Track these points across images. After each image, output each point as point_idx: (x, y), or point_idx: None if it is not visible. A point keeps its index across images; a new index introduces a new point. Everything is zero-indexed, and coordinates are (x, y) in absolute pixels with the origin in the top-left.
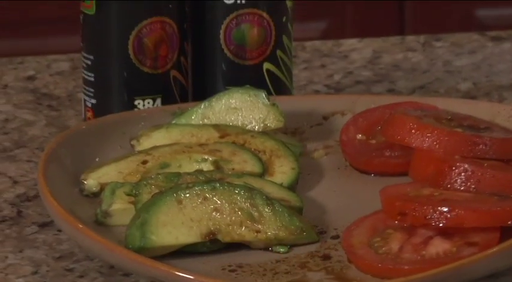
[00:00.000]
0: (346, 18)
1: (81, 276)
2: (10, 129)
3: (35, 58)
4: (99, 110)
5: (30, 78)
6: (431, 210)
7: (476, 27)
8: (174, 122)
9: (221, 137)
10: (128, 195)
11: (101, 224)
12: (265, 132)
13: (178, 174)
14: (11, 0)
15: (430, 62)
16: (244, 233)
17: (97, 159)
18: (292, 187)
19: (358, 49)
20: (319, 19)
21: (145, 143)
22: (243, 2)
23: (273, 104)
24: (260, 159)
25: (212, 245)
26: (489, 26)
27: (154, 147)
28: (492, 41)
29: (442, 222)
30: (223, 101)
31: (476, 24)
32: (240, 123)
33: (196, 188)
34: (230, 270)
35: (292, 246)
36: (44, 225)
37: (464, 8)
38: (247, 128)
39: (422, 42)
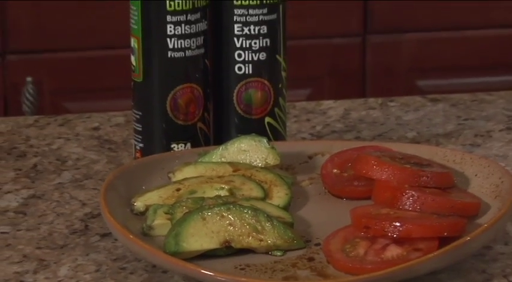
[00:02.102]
0: (324, 86)
1: (131, 273)
2: (80, 166)
3: (99, 114)
4: (145, 152)
5: (96, 128)
6: (388, 225)
7: (417, 92)
8: (199, 160)
9: (234, 171)
10: (166, 213)
11: (146, 235)
12: (266, 168)
13: (202, 199)
14: (81, 72)
15: (386, 117)
16: (250, 241)
17: (143, 187)
18: (286, 208)
19: (334, 108)
20: (306, 87)
21: (179, 175)
22: (250, 73)
23: (272, 147)
24: (262, 188)
25: (227, 250)
26: (427, 91)
27: (185, 179)
28: (430, 101)
29: (396, 234)
30: (236, 145)
31: (417, 91)
32: (248, 161)
33: (216, 209)
34: (240, 269)
35: (286, 251)
36: (104, 236)
37: (410, 80)
38: (253, 164)
39: (380, 103)
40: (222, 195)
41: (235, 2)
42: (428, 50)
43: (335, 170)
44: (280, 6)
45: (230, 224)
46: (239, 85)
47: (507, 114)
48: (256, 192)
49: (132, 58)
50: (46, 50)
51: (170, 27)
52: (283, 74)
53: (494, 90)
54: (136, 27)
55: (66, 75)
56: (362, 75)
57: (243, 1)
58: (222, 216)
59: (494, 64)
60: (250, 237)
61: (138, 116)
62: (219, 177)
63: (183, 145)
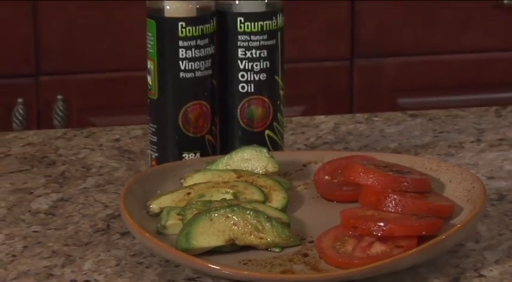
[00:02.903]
0: (317, 104)
1: (147, 267)
2: (103, 172)
3: (120, 127)
4: (160, 160)
5: (117, 140)
6: (373, 225)
7: (398, 109)
8: (207, 168)
9: (238, 177)
10: (178, 215)
11: (160, 233)
12: (266, 175)
13: (210, 201)
14: (105, 91)
15: (371, 130)
16: (252, 239)
17: (158, 192)
18: (283, 210)
19: (325, 122)
20: (301, 104)
21: (189, 181)
22: (252, 91)
23: (271, 156)
24: (263, 192)
25: (231, 247)
26: (406, 108)
27: (195, 184)
28: (410, 117)
29: (380, 233)
30: (239, 154)
31: (398, 107)
32: (250, 168)
33: (222, 210)
34: (243, 263)
35: (283, 247)
36: (124, 234)
37: (391, 98)
38: (254, 171)
39: (366, 117)
40: (227, 198)
41: (239, 29)
42: (408, 72)
43: (326, 177)
44: (279, 33)
45: (234, 224)
46: (242, 102)
47: (477, 128)
48: (258, 196)
49: (149, 78)
50: (74, 72)
51: (182, 51)
52: (281, 92)
53: (465, 107)
54: (152, 51)
55: (91, 93)
56: (350, 94)
57: (245, 28)
58: (227, 217)
59: (465, 84)
60: (252, 236)
61: (153, 129)
62: (225, 182)
63: (193, 154)
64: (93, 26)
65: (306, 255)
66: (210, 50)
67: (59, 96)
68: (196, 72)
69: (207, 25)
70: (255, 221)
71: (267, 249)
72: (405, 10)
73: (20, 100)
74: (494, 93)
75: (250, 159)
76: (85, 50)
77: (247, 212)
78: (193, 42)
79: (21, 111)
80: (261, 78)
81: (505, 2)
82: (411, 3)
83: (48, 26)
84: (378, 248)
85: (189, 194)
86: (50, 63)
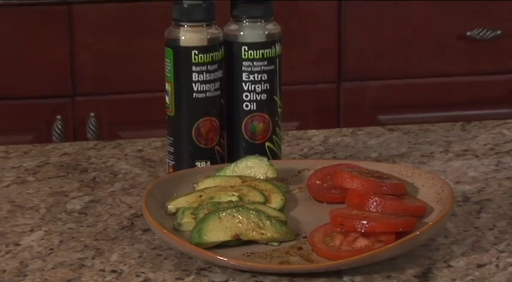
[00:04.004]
0: (309, 120)
1: (165, 259)
2: (128, 178)
3: (142, 140)
4: (176, 168)
5: (140, 150)
6: (357, 223)
7: (378, 124)
8: (217, 174)
9: (242, 182)
10: (191, 214)
11: (176, 230)
12: (267, 180)
13: (218, 203)
14: (130, 109)
15: (355, 142)
16: (254, 234)
17: (174, 194)
18: (281, 210)
19: (316, 135)
20: (296, 120)
21: (201, 185)
22: (254, 109)
23: (271, 164)
24: (264, 195)
25: (237, 241)
26: (385, 123)
27: (206, 188)
28: (388, 130)
29: (363, 229)
30: (244, 162)
31: (378, 123)
32: (252, 174)
33: (229, 210)
34: (247, 256)
35: (281, 242)
36: (145, 230)
37: (372, 115)
38: (257, 177)
39: (351, 131)
40: (233, 200)
41: (243, 56)
42: (386, 93)
43: (318, 182)
44: (277, 60)
45: (239, 222)
46: (246, 118)
47: (445, 140)
48: (259, 198)
49: (167, 98)
50: (105, 93)
51: (195, 75)
52: (279, 110)
53: (435, 123)
54: (169, 74)
55: (119, 111)
56: (337, 112)
57: (249, 56)
58: (233, 216)
59: (435, 103)
60: (254, 232)
61: (171, 141)
62: (231, 186)
63: (204, 163)
64: (121, 54)
65: (300, 248)
66: (219, 74)
67: (92, 114)
68: (207, 92)
69: (216, 53)
70: (257, 219)
71: (267, 244)
72: (384, 41)
73: (58, 117)
74: (459, 111)
75: (253, 166)
76: (114, 75)
77: (250, 211)
78: (204, 68)
79: (59, 127)
80: (262, 98)
81: (468, 34)
82: (389, 36)
83: (82, 54)
84: (362, 242)
85: (200, 196)
86: (84, 85)
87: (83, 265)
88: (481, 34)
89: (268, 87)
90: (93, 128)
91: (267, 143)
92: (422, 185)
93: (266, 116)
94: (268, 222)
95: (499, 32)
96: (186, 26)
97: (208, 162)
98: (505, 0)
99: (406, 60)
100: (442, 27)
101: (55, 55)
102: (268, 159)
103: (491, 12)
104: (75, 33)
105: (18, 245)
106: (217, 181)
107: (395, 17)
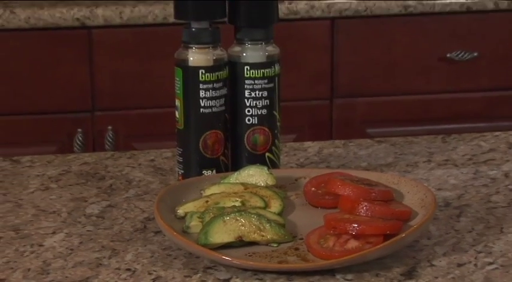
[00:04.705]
0: (305, 133)
1: (175, 258)
2: (141, 185)
3: (154, 150)
4: (185, 176)
5: (152, 160)
6: (348, 226)
7: (368, 137)
8: (222, 181)
9: (245, 189)
10: (199, 218)
11: (185, 232)
12: (267, 187)
13: (223, 208)
14: (144, 123)
15: (347, 153)
16: (256, 236)
17: (183, 200)
18: (280, 214)
19: (312, 146)
20: (293, 133)
21: (208, 192)
22: (256, 123)
23: (271, 173)
24: (264, 200)
25: (240, 243)
26: (374, 136)
27: (212, 194)
28: (376, 142)
29: (354, 232)
30: (246, 171)
31: (367, 135)
32: (254, 182)
33: (232, 214)
34: (249, 256)
35: (280, 243)
36: (157, 232)
37: (362, 128)
38: (258, 184)
39: (343, 143)
40: (236, 205)
41: (246, 75)
42: (375, 108)
43: (313, 188)
44: (276, 78)
45: (242, 225)
46: (248, 131)
47: (428, 151)
48: (260, 203)
49: (176, 113)
50: (121, 108)
51: (202, 91)
52: (278, 124)
53: (419, 135)
54: (179, 92)
55: (134, 125)
56: (330, 125)
57: (251, 75)
58: (237, 219)
59: (419, 118)
60: (256, 234)
61: (180, 152)
62: (235, 193)
63: (210, 171)
64: (135, 73)
65: (297, 249)
66: (224, 91)
67: (109, 127)
68: (213, 108)
69: (222, 72)
70: (258, 222)
71: (267, 245)
72: (373, 62)
73: (79, 130)
74: (440, 125)
75: (254, 175)
76: (129, 92)
77: (252, 215)
78: (210, 85)
79: (80, 139)
80: (263, 113)
81: (448, 56)
82: (377, 57)
83: (101, 73)
84: (353, 243)
85: (207, 201)
86: (102, 101)
87: (100, 264)
88: (459, 56)
89: (268, 103)
90: (111, 140)
91: (267, 154)
92: (408, 192)
93: (266, 129)
94: (268, 225)
95: (475, 54)
96: (194, 48)
97: (214, 171)
98: (481, 26)
99: (393, 79)
100: (425, 49)
101: (76, 74)
102: (268, 168)
103: (469, 36)
104: (95, 55)
105: (41, 245)
106: (222, 188)
107: (383, 41)
